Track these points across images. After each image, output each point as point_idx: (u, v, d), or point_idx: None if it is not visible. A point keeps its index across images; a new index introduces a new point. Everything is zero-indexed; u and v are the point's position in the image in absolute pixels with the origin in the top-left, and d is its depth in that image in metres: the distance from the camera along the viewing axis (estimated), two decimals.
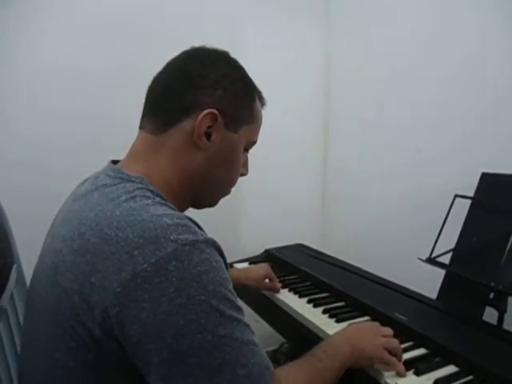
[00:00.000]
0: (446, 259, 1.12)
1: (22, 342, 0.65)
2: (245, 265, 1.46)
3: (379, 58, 1.69)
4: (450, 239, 1.13)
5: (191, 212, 0.65)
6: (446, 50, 1.40)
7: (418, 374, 0.76)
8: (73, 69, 1.38)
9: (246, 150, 0.74)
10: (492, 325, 0.98)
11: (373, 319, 0.98)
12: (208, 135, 0.65)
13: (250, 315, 1.02)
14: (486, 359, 0.77)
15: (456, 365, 0.79)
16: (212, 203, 0.75)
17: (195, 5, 1.59)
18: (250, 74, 0.72)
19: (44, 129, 1.37)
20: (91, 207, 0.56)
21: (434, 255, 1.12)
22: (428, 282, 1.11)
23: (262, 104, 0.75)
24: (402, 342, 0.82)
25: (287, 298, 1.15)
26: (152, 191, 0.58)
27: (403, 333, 0.89)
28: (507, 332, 0.93)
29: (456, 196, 1.14)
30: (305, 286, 1.24)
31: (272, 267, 1.28)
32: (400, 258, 1.45)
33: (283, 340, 1.71)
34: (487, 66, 1.28)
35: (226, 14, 1.67)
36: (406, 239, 1.51)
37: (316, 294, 1.16)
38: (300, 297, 1.15)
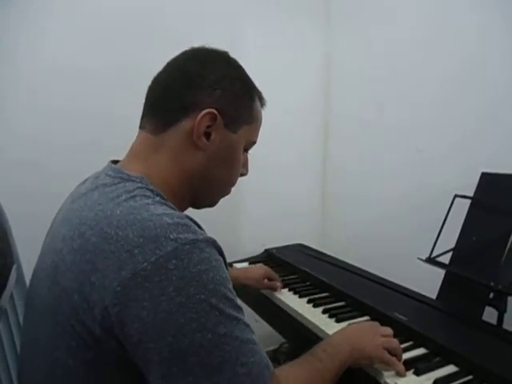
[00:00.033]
0: (445, 259, 1.12)
1: (22, 341, 0.65)
2: (245, 264, 1.46)
3: (379, 58, 1.69)
4: (449, 239, 1.13)
5: (191, 212, 0.65)
6: (446, 50, 1.40)
7: (417, 373, 0.76)
8: (73, 69, 1.38)
9: (246, 150, 0.74)
10: (492, 325, 0.98)
11: (373, 319, 0.98)
12: (207, 135, 0.65)
13: (249, 315, 1.02)
14: (486, 359, 0.77)
15: (456, 365, 0.79)
16: (212, 203, 0.75)
17: (195, 5, 1.59)
18: (250, 74, 0.72)
19: (44, 129, 1.37)
20: (91, 206, 0.56)
21: (433, 255, 1.12)
22: (428, 282, 1.11)
23: (262, 104, 0.75)
24: (401, 342, 0.83)
25: (287, 298, 1.15)
26: (152, 191, 0.59)
27: (403, 333, 0.89)
28: (507, 332, 0.93)
29: (456, 196, 1.14)
30: (305, 285, 1.24)
31: (272, 267, 1.28)
32: (400, 258, 1.45)
33: (283, 340, 1.70)
34: (487, 66, 1.28)
35: (226, 13, 1.67)
36: (406, 239, 1.51)
37: (316, 293, 1.16)
38: (300, 297, 1.15)
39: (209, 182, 0.69)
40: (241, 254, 1.55)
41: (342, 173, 1.94)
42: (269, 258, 1.52)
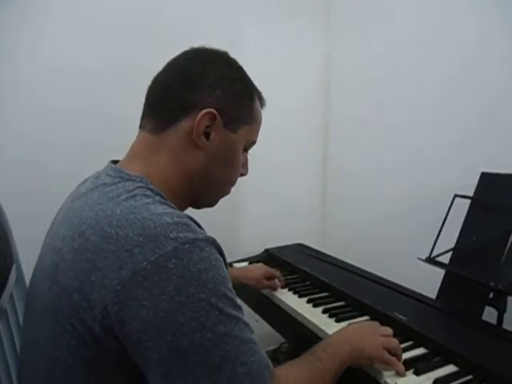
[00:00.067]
0: (445, 259, 1.12)
1: (22, 342, 0.65)
2: (245, 264, 1.46)
3: (379, 58, 1.69)
4: (449, 239, 1.13)
5: (191, 212, 0.65)
6: (446, 50, 1.40)
7: (417, 373, 0.76)
8: (73, 69, 1.38)
9: (246, 150, 0.75)
10: (491, 324, 0.98)
11: (372, 319, 0.98)
12: (207, 135, 0.65)
13: (249, 315, 1.02)
14: (486, 359, 0.77)
15: (455, 364, 0.79)
16: (211, 203, 0.75)
17: (195, 5, 1.59)
18: (250, 74, 0.72)
19: (44, 129, 1.37)
20: (91, 206, 0.56)
21: (433, 255, 1.12)
22: (428, 282, 1.11)
23: (262, 104, 0.75)
24: (401, 342, 0.83)
25: (287, 298, 1.15)
26: (152, 190, 0.59)
27: (403, 332, 0.89)
28: (507, 332, 0.93)
29: (456, 196, 1.14)
30: (305, 285, 1.24)
31: (272, 267, 1.28)
32: (400, 258, 1.45)
33: (283, 340, 1.70)
34: (487, 66, 1.28)
35: (226, 13, 1.67)
36: (406, 239, 1.51)
37: (316, 293, 1.16)
38: (300, 296, 1.15)
39: (208, 181, 0.69)
40: (241, 253, 1.55)
41: (342, 173, 1.94)
42: (269, 257, 1.52)
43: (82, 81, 1.41)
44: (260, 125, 0.75)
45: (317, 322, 0.98)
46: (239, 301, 0.56)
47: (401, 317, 0.95)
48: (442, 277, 1.13)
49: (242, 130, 0.69)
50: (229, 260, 0.65)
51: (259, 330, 0.81)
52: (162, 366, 0.48)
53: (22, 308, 0.75)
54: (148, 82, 0.69)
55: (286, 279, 1.27)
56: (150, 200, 0.56)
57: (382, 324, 0.85)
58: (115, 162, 0.68)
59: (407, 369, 0.76)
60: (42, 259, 0.62)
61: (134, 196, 0.56)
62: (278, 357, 1.76)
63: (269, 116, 0.80)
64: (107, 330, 0.50)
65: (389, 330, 0.80)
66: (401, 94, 1.59)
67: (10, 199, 0.79)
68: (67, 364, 0.53)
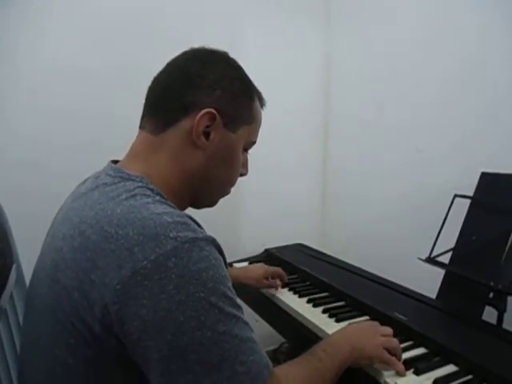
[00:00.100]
0: (445, 259, 1.12)
1: (22, 342, 0.65)
2: (245, 264, 1.46)
3: (379, 58, 1.69)
4: (449, 239, 1.13)
5: (191, 212, 0.65)
6: (446, 50, 1.40)
7: (417, 373, 0.76)
8: (73, 69, 1.38)
9: (246, 150, 0.75)
10: (491, 324, 0.98)
11: (372, 319, 0.98)
12: (206, 134, 0.65)
13: (249, 315, 1.02)
14: (486, 359, 0.77)
15: (455, 364, 0.79)
16: (211, 203, 0.75)
17: (195, 5, 1.59)
18: (250, 74, 0.72)
19: (44, 129, 1.37)
20: (91, 206, 0.56)
21: (433, 255, 1.12)
22: (428, 282, 1.11)
23: (262, 105, 0.75)
24: (401, 342, 0.82)
25: (287, 298, 1.15)
26: (152, 190, 0.59)
27: (403, 332, 0.89)
28: (507, 331, 0.93)
29: (456, 196, 1.14)
30: (304, 285, 1.24)
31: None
32: (400, 258, 1.45)
33: (283, 340, 1.70)
34: (487, 66, 1.28)
35: (226, 13, 1.67)
36: (406, 239, 1.51)
37: (316, 293, 1.16)
38: (300, 296, 1.15)
39: (208, 181, 0.69)
40: (241, 253, 1.55)
41: (342, 173, 1.94)
42: (269, 257, 1.52)
43: (82, 81, 1.41)
44: (260, 125, 0.75)
45: (317, 322, 0.98)
46: (239, 300, 0.56)
47: (401, 317, 0.95)
48: (441, 277, 1.13)
49: (242, 129, 0.69)
50: (229, 260, 0.65)
51: (259, 330, 0.81)
52: (162, 364, 0.48)
53: (21, 308, 0.75)
54: (148, 82, 0.69)
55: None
56: (149, 200, 0.56)
57: (382, 324, 0.85)
58: (115, 161, 0.68)
59: (407, 369, 0.76)
60: (42, 259, 0.62)
61: (134, 196, 0.56)
62: (278, 357, 1.76)
63: (269, 116, 0.80)
64: (107, 329, 0.50)
65: (389, 330, 0.81)
66: (401, 93, 1.59)
67: (10, 199, 0.79)
68: (67, 363, 0.53)
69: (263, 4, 1.78)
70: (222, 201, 0.76)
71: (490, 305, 1.01)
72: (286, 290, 1.21)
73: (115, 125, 1.36)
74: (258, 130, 0.75)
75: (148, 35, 1.48)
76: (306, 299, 1.12)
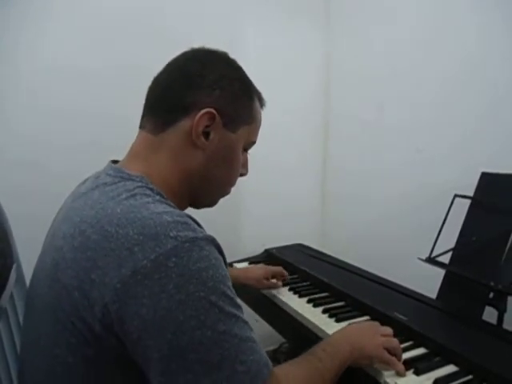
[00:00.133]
0: (445, 259, 1.12)
1: (22, 342, 0.65)
2: (245, 264, 1.46)
3: (379, 58, 1.69)
4: (449, 239, 1.13)
5: (191, 212, 0.65)
6: (446, 50, 1.40)
7: (417, 373, 0.76)
8: (73, 69, 1.39)
9: (246, 150, 0.75)
10: (492, 324, 0.98)
11: (373, 319, 0.98)
12: (206, 134, 0.65)
13: (249, 315, 1.02)
14: (486, 359, 0.77)
15: (456, 364, 0.79)
16: (211, 203, 0.75)
17: (195, 5, 1.60)
18: (250, 74, 0.72)
19: (44, 129, 1.37)
20: (92, 205, 0.57)
21: (433, 255, 1.12)
22: (428, 282, 1.11)
23: (262, 105, 0.75)
24: (401, 342, 0.82)
25: (287, 298, 1.15)
26: (152, 189, 0.59)
27: (403, 332, 0.89)
28: (507, 332, 0.93)
29: (456, 196, 1.14)
30: (305, 285, 1.24)
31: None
32: (400, 258, 1.45)
33: (283, 340, 1.71)
34: (487, 66, 1.28)
35: (226, 14, 1.67)
36: (406, 239, 1.51)
37: (316, 293, 1.16)
38: (300, 296, 1.15)
39: (208, 181, 0.69)
40: (241, 253, 1.55)
41: (342, 173, 1.94)
42: (269, 257, 1.52)
43: (82, 81, 1.41)
44: (260, 125, 0.75)
45: (317, 322, 0.98)
46: (239, 300, 0.56)
47: (401, 317, 0.95)
48: (442, 277, 1.13)
49: (242, 129, 0.69)
50: (229, 260, 0.65)
51: (259, 330, 0.81)
52: (162, 363, 0.48)
53: (22, 308, 0.75)
54: (148, 82, 0.69)
55: (286, 279, 1.27)
56: (149, 199, 0.56)
57: (382, 324, 0.85)
58: (115, 162, 0.68)
59: (407, 369, 0.76)
60: (43, 259, 0.62)
61: (134, 195, 0.56)
62: (278, 357, 1.76)
63: (269, 116, 0.80)
64: (107, 328, 0.50)
65: (389, 330, 0.81)
66: (401, 93, 1.59)
67: (10, 199, 0.79)
68: (67, 362, 0.53)
69: (263, 4, 1.78)
70: (222, 201, 0.76)
71: (490, 305, 1.01)
72: (286, 290, 1.21)
73: (115, 125, 1.36)
74: (257, 130, 0.75)
75: (148, 35, 1.48)
76: (306, 299, 1.12)
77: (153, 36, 1.49)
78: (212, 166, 0.67)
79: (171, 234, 0.51)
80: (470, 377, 0.76)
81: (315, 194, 2.05)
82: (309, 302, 1.11)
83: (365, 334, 0.77)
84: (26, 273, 0.76)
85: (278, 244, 1.61)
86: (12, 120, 1.34)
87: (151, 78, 0.69)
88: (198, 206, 0.73)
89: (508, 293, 0.97)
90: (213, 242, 0.55)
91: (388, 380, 0.74)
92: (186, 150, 0.65)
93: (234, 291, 0.55)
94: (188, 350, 0.48)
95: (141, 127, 0.69)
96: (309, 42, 1.94)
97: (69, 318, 0.52)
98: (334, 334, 0.79)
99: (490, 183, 1.12)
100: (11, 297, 0.72)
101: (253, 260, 1.49)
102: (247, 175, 0.78)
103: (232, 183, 0.74)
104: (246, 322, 0.54)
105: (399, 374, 0.75)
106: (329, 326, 0.96)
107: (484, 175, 1.15)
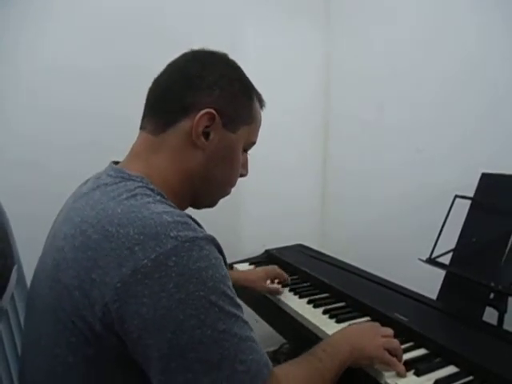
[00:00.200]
0: (446, 259, 1.12)
1: (23, 343, 0.65)
2: (245, 265, 1.46)
3: (379, 58, 1.69)
4: (450, 239, 1.13)
5: (192, 212, 0.65)
6: (446, 50, 1.40)
7: (418, 374, 0.76)
8: (73, 69, 1.38)
9: (246, 150, 0.75)
10: (492, 325, 0.98)
11: (373, 320, 0.98)
12: (206, 135, 0.65)
13: (250, 315, 1.02)
14: (487, 359, 0.77)
15: (456, 365, 0.79)
16: (211, 203, 0.75)
17: (195, 5, 1.59)
18: (250, 74, 0.73)
19: (44, 129, 1.37)
20: (93, 205, 0.57)
21: (434, 255, 1.12)
22: (428, 283, 1.11)
23: (261, 105, 0.75)
24: (402, 343, 0.82)
25: (287, 299, 1.15)
26: (152, 190, 0.59)
27: (403, 333, 0.89)
28: (507, 332, 0.93)
29: (456, 196, 1.14)
30: (305, 286, 1.24)
31: None
32: (400, 258, 1.45)
33: (283, 340, 1.70)
34: (487, 66, 1.28)
35: (226, 14, 1.67)
36: (406, 239, 1.51)
37: (316, 294, 1.16)
38: (300, 297, 1.15)
39: (208, 182, 0.69)
40: (241, 254, 1.55)
41: (342, 173, 1.94)
42: (269, 258, 1.52)
43: (82, 81, 1.41)
44: (259, 125, 0.75)
45: (317, 323, 0.98)
46: (239, 300, 0.56)
47: (401, 317, 0.94)
48: (442, 278, 1.13)
49: (242, 130, 0.69)
50: (229, 260, 0.65)
51: (259, 330, 0.81)
52: (162, 362, 0.49)
53: (23, 309, 0.75)
54: (148, 83, 0.69)
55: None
56: (150, 199, 0.56)
57: (383, 325, 0.85)
58: (116, 163, 0.68)
59: (408, 369, 0.76)
60: (44, 259, 0.62)
61: (134, 195, 0.56)
62: (278, 358, 1.76)
63: (269, 116, 0.80)
64: (107, 328, 0.50)
65: (389, 331, 0.80)
66: (401, 93, 1.59)
67: (10, 199, 0.79)
68: (67, 362, 0.53)
69: (263, 4, 1.77)
70: (222, 201, 0.76)
71: (490, 306, 1.00)
72: (286, 290, 1.21)
73: (115, 125, 1.36)
74: (257, 131, 0.75)
75: (148, 35, 1.48)
76: (306, 300, 1.12)
77: (153, 36, 1.48)
78: (212, 166, 0.68)
79: (171, 234, 0.51)
80: (471, 377, 0.76)
81: (315, 194, 2.05)
82: (309, 302, 1.11)
83: (365, 334, 0.77)
84: (27, 274, 0.76)
85: (278, 244, 1.61)
86: (12, 120, 1.34)
87: (151, 78, 0.69)
88: (198, 207, 0.74)
89: (508, 293, 0.97)
90: (213, 241, 0.55)
91: (388, 381, 0.74)
92: (187, 150, 0.65)
93: (233, 291, 0.55)
94: (188, 349, 0.49)
95: (141, 128, 0.69)
96: (309, 42, 1.94)
97: (69, 317, 0.52)
98: (334, 334, 0.79)
99: (490, 184, 1.12)
100: (12, 298, 0.72)
101: (253, 261, 1.49)
102: (247, 175, 0.77)
103: (232, 183, 0.74)
104: (245, 322, 0.54)
105: (400, 375, 0.75)
106: (329, 326, 0.96)
107: (484, 176, 1.14)
